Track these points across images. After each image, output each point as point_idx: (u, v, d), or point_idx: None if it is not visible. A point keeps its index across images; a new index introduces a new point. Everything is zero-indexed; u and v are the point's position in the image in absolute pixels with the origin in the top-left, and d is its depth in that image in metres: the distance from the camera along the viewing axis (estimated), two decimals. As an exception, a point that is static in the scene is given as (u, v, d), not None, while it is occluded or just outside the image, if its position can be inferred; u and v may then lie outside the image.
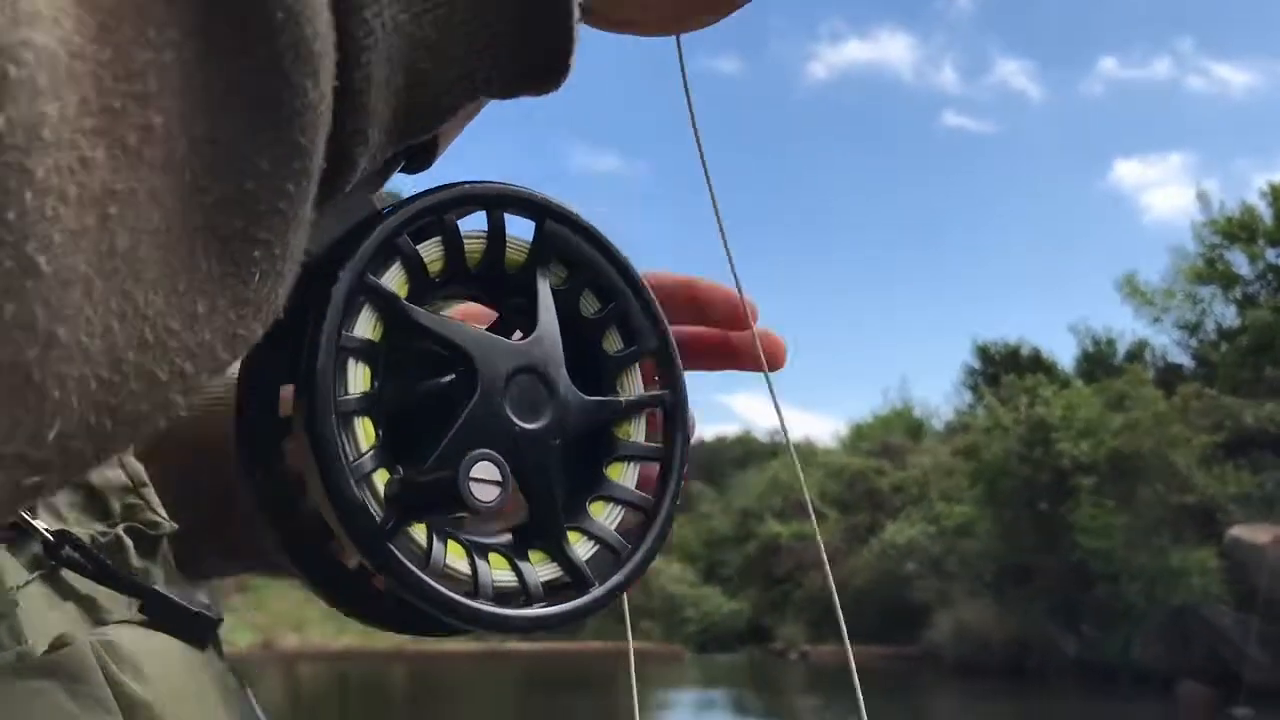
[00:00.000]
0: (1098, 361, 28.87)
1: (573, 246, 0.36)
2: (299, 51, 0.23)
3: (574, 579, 0.36)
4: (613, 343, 0.38)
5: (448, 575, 0.33)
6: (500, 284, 0.36)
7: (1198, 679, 18.25)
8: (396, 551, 0.32)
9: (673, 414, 0.39)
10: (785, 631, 27.40)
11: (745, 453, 61.08)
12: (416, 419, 0.34)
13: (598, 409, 0.37)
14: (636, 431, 0.39)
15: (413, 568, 0.32)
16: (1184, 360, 26.70)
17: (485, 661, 24.50)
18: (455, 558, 0.34)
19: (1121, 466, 19.58)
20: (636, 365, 0.39)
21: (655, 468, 0.39)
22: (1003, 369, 29.72)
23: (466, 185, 0.34)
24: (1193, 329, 26.41)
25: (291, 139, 0.23)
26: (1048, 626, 20.60)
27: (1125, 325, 40.03)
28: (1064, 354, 36.44)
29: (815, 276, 60.23)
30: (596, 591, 0.36)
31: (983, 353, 32.89)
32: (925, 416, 42.91)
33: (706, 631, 28.44)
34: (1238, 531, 18.07)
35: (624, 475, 0.38)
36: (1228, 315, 25.59)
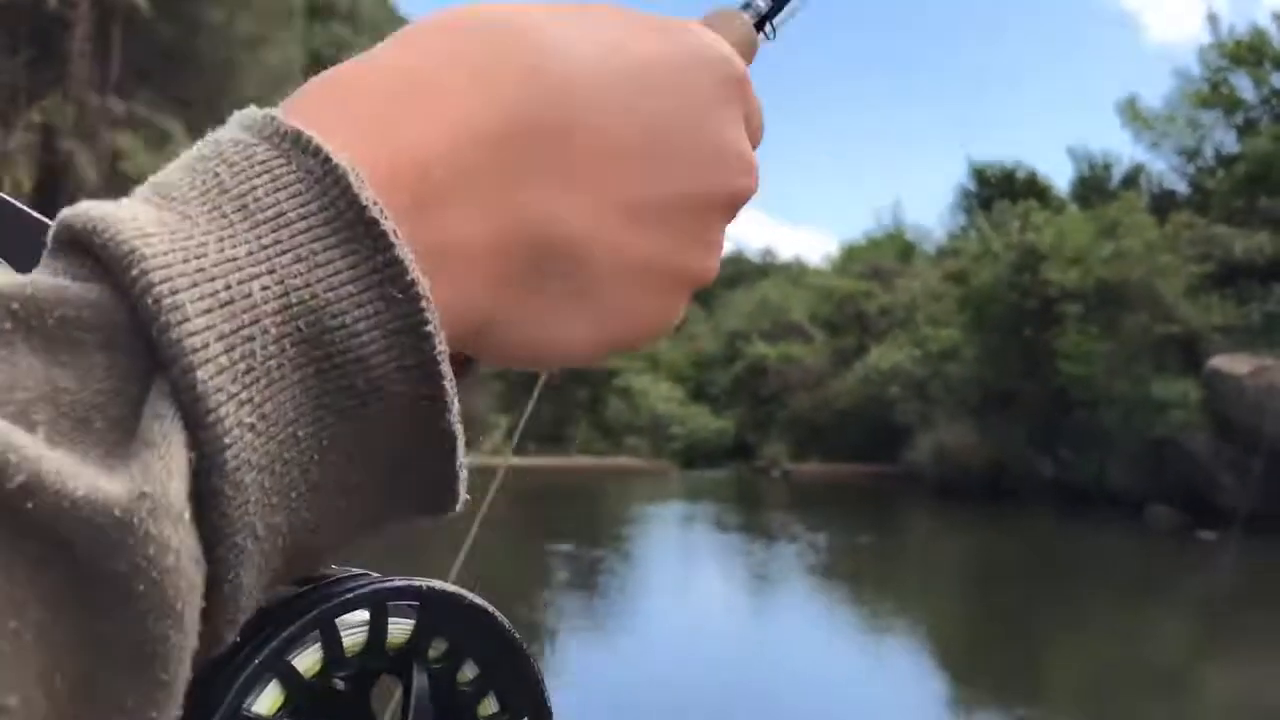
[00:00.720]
0: (1093, 186, 28.56)
1: (456, 626, 0.35)
2: (162, 610, 0.23)
3: None
4: (488, 707, 0.36)
5: None
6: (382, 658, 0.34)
7: (1168, 503, 18.78)
8: None
9: None
10: (769, 450, 27.97)
11: (736, 272, 61.19)
12: None
13: None
14: None
15: None
16: (1180, 187, 26.44)
17: (471, 476, 25.03)
18: None
19: (1108, 295, 19.62)
20: None
21: None
22: (997, 192, 29.45)
23: (348, 593, 0.32)
24: (1191, 155, 26.05)
25: (154, 677, 0.23)
26: (1026, 450, 21.02)
27: (1124, 150, 39.48)
28: (1061, 177, 36.08)
29: (812, 93, 59.02)
30: None
31: (978, 175, 32.49)
32: (917, 239, 42.78)
33: (693, 449, 28.99)
34: (1218, 362, 18.25)
35: None
36: (1228, 142, 25.21)
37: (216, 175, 0.27)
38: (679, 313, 0.36)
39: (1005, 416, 20.92)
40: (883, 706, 7.86)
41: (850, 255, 40.93)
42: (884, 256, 37.14)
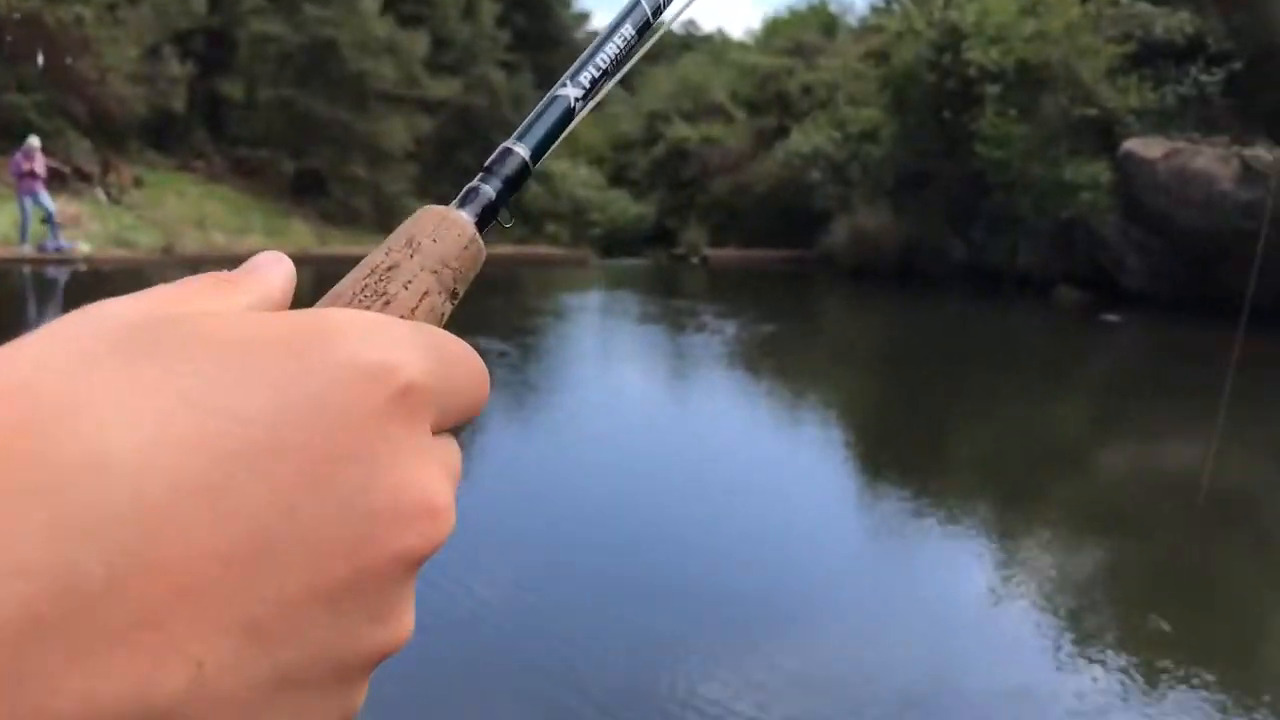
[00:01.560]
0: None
1: None
2: None
3: None
4: None
5: None
6: None
7: (1075, 285, 19.26)
8: None
9: None
10: (688, 236, 27.91)
11: (656, 47, 59.54)
12: None
13: None
14: None
15: None
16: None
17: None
18: None
19: (1028, 76, 19.48)
20: None
21: None
22: (922, -36, 28.66)
23: None
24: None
25: None
26: (940, 232, 21.22)
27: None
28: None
29: None
30: None
31: (903, -54, 31.53)
32: (841, 13, 41.86)
33: (612, 235, 28.84)
34: (1132, 145, 18.38)
35: None
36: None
37: None
38: (356, 702, 0.29)
39: (921, 199, 21.00)
40: (798, 479, 8.13)
41: (773, 29, 40.02)
42: (808, 31, 36.36)
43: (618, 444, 9.35)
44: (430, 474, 0.29)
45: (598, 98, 0.44)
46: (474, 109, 27.50)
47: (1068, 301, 19.08)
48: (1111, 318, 17.48)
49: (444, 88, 27.92)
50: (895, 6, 30.19)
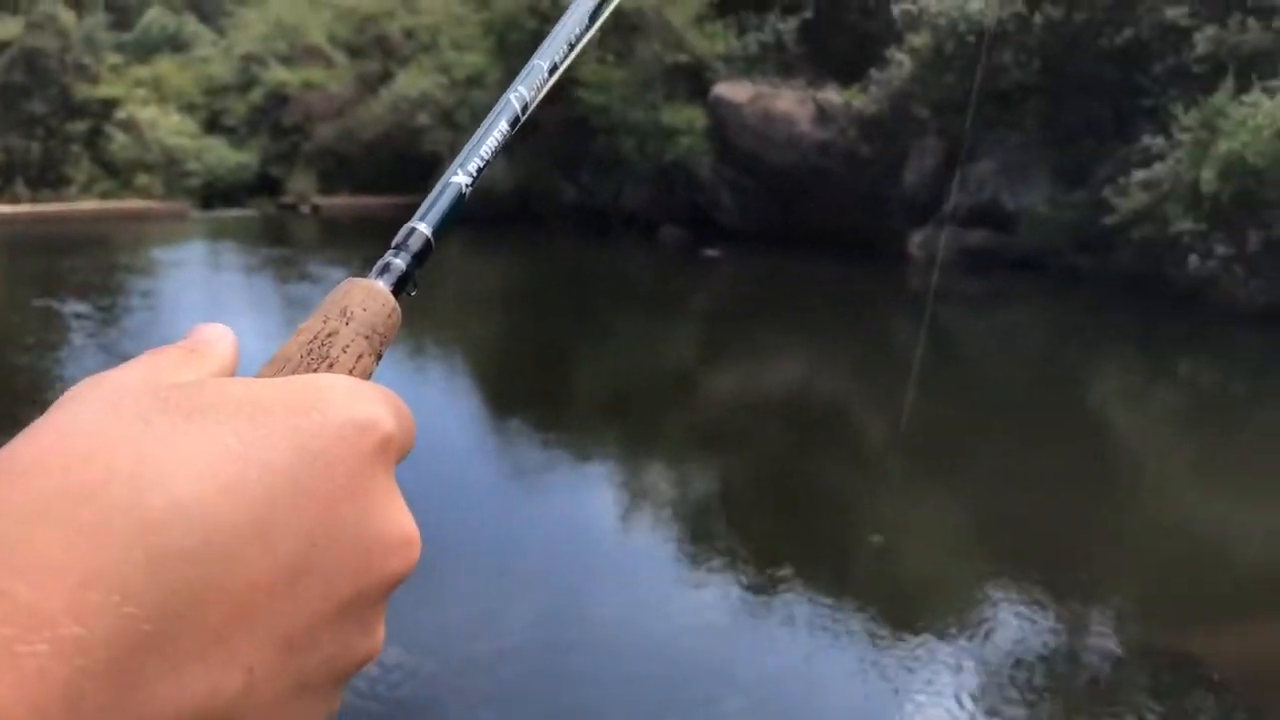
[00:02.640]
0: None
1: None
2: None
3: None
4: None
5: None
6: None
7: (677, 224, 20.38)
8: None
9: None
10: (296, 185, 26.80)
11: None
12: None
13: None
14: None
15: None
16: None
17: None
18: None
19: (622, 22, 20.19)
20: None
21: None
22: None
23: None
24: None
25: None
26: (551, 176, 21.72)
27: None
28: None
29: None
30: None
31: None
32: (438, -45, 41.37)
33: (211, 186, 27.10)
34: (720, 89, 19.57)
35: None
36: None
37: None
38: (337, 704, 0.35)
39: (531, 144, 21.33)
40: (426, 426, 8.17)
41: (370, -29, 38.99)
42: (404, -27, 35.70)
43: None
44: (403, 508, 0.36)
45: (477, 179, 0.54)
46: (42, 52, 24.90)
47: (671, 239, 20.17)
48: (711, 253, 18.66)
49: (1, 29, 25.10)
50: (493, -51, 30.22)
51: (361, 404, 0.35)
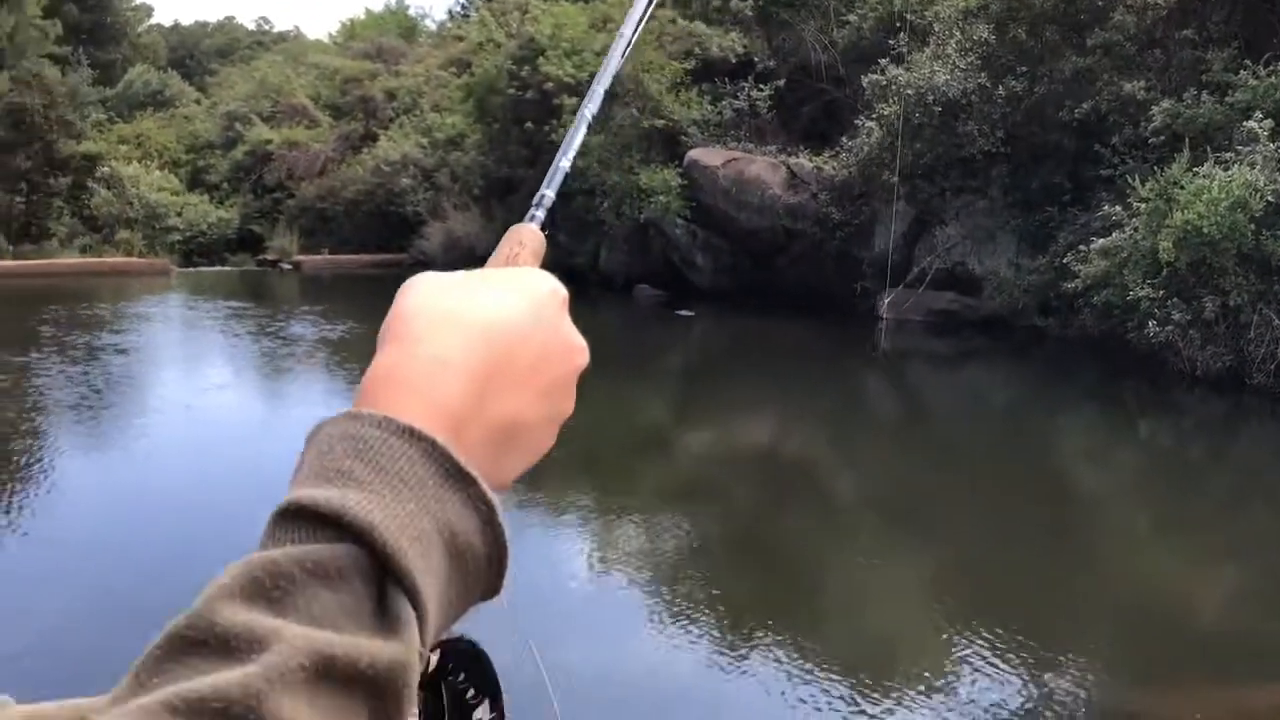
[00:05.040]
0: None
1: (470, 666, 0.63)
2: (403, 713, 0.44)
3: None
4: (483, 712, 0.63)
5: None
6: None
7: (652, 283, 20.73)
8: None
9: None
10: (277, 241, 27.01)
11: (228, 42, 56.71)
12: None
13: None
14: None
15: None
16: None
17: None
18: None
19: (602, 89, 20.61)
20: None
21: None
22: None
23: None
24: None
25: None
26: (529, 236, 21.99)
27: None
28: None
29: None
30: None
31: (479, -44, 32.23)
32: (419, 17, 42.08)
33: (192, 241, 27.27)
34: (696, 153, 20.02)
35: None
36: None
37: (377, 463, 0.48)
38: (553, 440, 0.62)
39: (507, 204, 21.70)
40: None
41: (352, 32, 39.55)
42: (387, 34, 36.26)
43: (212, 452, 9.15)
44: (578, 333, 0.63)
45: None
46: (28, 109, 25.17)
47: (646, 299, 20.49)
48: (685, 312, 18.98)
49: (-12, 84, 25.33)
50: (473, 15, 30.83)
51: (553, 280, 0.63)
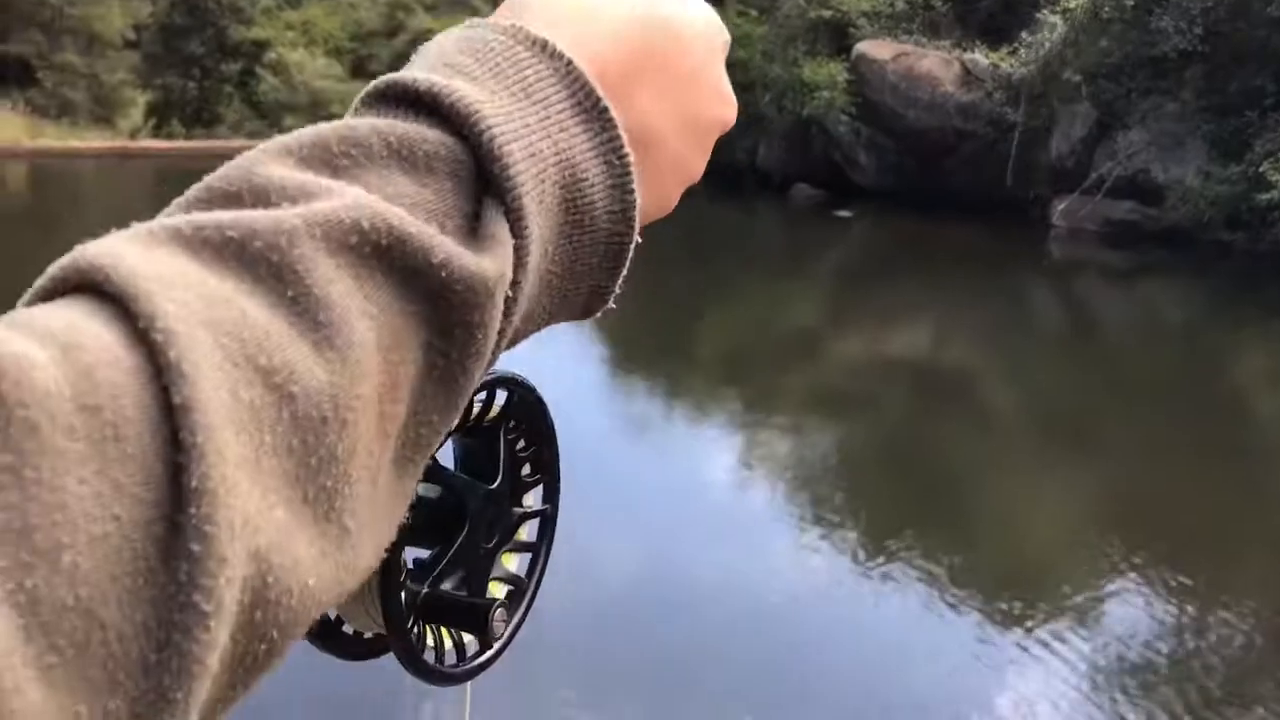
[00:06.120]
0: None
1: (523, 411, 0.52)
2: (482, 354, 0.36)
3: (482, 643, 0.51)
4: (527, 470, 0.54)
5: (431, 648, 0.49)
6: (475, 430, 0.51)
7: (811, 183, 20.12)
8: (413, 640, 0.48)
9: (548, 520, 0.55)
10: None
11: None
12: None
13: (515, 519, 0.54)
14: (527, 532, 0.55)
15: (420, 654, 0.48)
16: None
17: (110, 159, 23.15)
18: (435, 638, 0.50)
19: (767, -24, 19.93)
20: (539, 485, 0.54)
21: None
22: None
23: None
24: None
25: (455, 401, 0.37)
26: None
27: None
28: None
29: None
30: (494, 650, 0.52)
31: None
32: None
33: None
34: (864, 46, 19.19)
35: (511, 562, 0.54)
36: None
37: (497, 65, 0.39)
38: (703, 166, 0.49)
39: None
40: (548, 371, 8.31)
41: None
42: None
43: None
44: (730, 87, 0.50)
45: None
46: (200, -8, 25.79)
47: (803, 199, 19.94)
48: (844, 213, 18.40)
49: (164, -29, 26.02)
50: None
51: (716, 16, 0.49)
